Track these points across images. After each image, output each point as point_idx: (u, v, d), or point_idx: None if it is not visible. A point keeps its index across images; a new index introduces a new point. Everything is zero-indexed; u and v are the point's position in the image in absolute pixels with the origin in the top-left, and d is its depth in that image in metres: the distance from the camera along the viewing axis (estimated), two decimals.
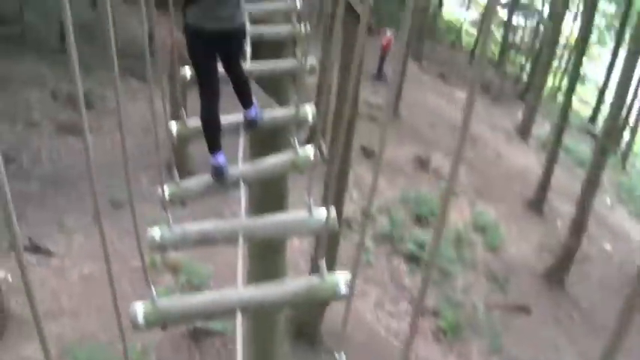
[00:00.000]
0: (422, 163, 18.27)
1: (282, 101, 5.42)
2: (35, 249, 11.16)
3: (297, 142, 4.20)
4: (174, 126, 4.46)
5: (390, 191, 16.57)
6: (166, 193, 4.08)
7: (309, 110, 4.52)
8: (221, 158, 4.18)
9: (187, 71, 4.76)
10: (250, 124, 4.49)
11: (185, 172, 11.79)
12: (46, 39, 16.74)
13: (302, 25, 5.16)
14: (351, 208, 14.21)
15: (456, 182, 1.42)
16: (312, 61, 4.86)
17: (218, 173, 4.20)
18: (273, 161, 4.41)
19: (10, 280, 10.39)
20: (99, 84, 15.88)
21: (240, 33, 4.25)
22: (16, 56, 15.94)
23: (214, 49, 4.20)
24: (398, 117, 20.68)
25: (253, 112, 4.45)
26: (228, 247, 4.01)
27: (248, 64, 4.80)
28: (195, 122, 4.50)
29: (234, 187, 4.26)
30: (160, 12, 3.80)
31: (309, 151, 4.16)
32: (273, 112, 4.72)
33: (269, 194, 5.94)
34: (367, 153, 17.31)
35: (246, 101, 4.46)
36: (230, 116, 4.61)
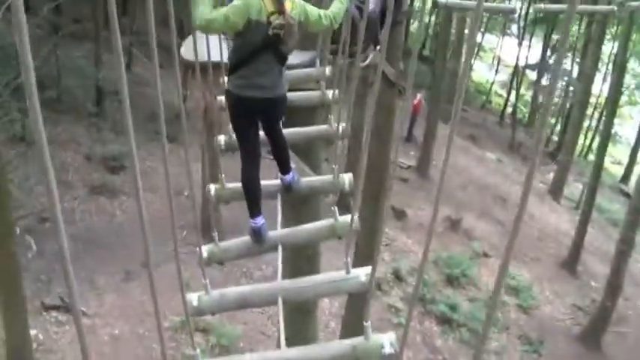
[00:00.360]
0: (453, 224, 18.16)
1: (313, 165, 5.49)
2: (66, 308, 11.20)
3: (337, 210, 4.29)
4: (213, 189, 4.53)
5: (422, 252, 16.47)
6: (205, 255, 4.13)
7: (346, 179, 4.60)
8: (260, 221, 4.27)
9: (222, 140, 4.87)
10: (287, 189, 4.60)
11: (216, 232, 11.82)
12: (82, 103, 17.10)
13: (332, 91, 5.27)
14: (381, 269, 14.12)
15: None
16: (343, 126, 4.96)
17: (257, 235, 4.28)
18: (312, 227, 4.48)
19: (41, 337, 10.44)
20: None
21: (281, 101, 4.33)
22: (53, 119, 16.27)
23: (255, 115, 4.32)
24: (428, 178, 20.69)
25: (290, 177, 4.56)
26: (256, 308, 4.03)
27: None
28: (232, 185, 4.59)
29: (272, 250, 4.33)
30: (194, 76, 3.88)
31: (348, 218, 4.21)
32: (310, 180, 4.81)
33: (301, 256, 5.97)
34: (398, 214, 17.28)
35: (284, 166, 4.58)
36: (270, 181, 4.72)
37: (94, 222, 13.81)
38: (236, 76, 4.15)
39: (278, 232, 4.41)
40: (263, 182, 4.53)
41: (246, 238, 4.39)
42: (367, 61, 5.93)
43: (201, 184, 12.16)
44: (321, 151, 6.20)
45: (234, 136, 4.60)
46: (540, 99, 35.23)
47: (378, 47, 6.62)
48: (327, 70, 5.46)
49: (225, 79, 4.37)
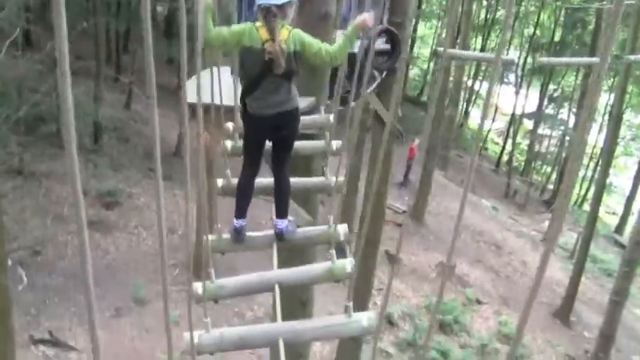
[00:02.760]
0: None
1: (310, 208, 5.52)
2: (55, 342, 11.12)
3: (334, 253, 4.33)
4: (209, 240, 4.58)
5: (415, 298, 16.42)
6: (199, 291, 4.17)
7: (342, 230, 4.64)
8: (242, 223, 4.67)
9: (220, 183, 4.94)
10: (279, 237, 4.69)
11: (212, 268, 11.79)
12: (80, 138, 17.16)
13: (335, 141, 5.35)
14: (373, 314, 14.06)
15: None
16: (340, 180, 5.03)
17: (237, 234, 4.68)
18: (309, 269, 4.52)
19: None
20: (127, 182, 16.19)
21: (291, 117, 4.56)
22: (51, 154, 16.32)
23: (266, 134, 4.67)
24: (423, 224, 20.70)
25: (282, 225, 4.67)
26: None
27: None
28: (228, 236, 4.66)
29: (268, 290, 4.38)
30: (193, 117, 3.95)
31: (345, 262, 4.26)
32: (306, 230, 4.86)
33: (295, 300, 5.98)
34: (392, 259, 17.26)
35: (280, 211, 4.72)
36: (266, 232, 4.85)
37: None
38: (250, 99, 4.48)
39: (275, 272, 4.43)
40: (258, 233, 4.82)
41: (241, 277, 4.48)
42: (356, 102, 5.97)
43: (196, 223, 12.18)
44: (317, 195, 6.24)
45: (233, 180, 4.85)
46: (537, 148, 35.46)
47: (368, 90, 6.71)
48: (331, 117, 5.52)
49: (230, 124, 4.57)
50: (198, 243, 11.90)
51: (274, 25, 4.23)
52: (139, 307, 12.17)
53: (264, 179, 4.96)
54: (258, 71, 4.33)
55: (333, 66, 4.60)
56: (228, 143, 5.25)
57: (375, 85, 8.99)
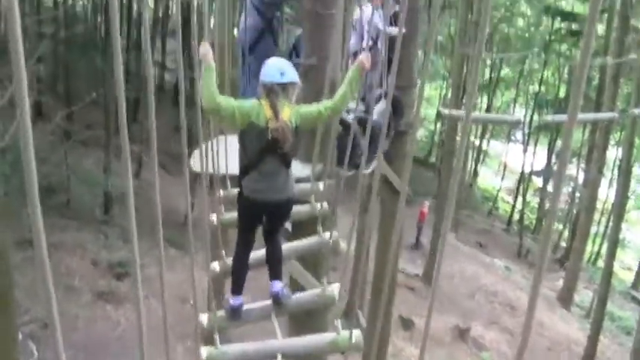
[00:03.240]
0: (461, 333, 17.86)
1: (321, 275, 5.48)
2: None
3: (340, 323, 4.28)
4: (205, 319, 4.59)
5: None
6: (204, 356, 4.17)
7: (335, 291, 4.60)
8: (238, 301, 4.69)
9: (217, 266, 4.96)
10: (275, 301, 4.69)
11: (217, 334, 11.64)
12: (90, 209, 17.21)
13: (323, 204, 5.34)
14: None
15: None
16: (335, 240, 5.03)
17: (233, 313, 4.70)
18: (313, 340, 4.45)
19: None
20: (139, 253, 16.14)
21: (286, 204, 4.61)
22: (62, 225, 16.33)
23: (259, 216, 4.69)
24: (436, 286, 20.50)
25: (277, 287, 4.69)
26: None
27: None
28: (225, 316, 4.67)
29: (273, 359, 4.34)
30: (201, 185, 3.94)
31: (352, 334, 4.20)
32: (299, 296, 4.85)
33: None
34: (405, 323, 17.03)
35: (274, 273, 4.77)
36: (262, 302, 4.87)
37: (97, 329, 13.61)
38: (247, 180, 4.49)
39: (279, 341, 4.37)
40: (255, 304, 4.87)
41: (245, 345, 4.55)
42: (370, 169, 5.99)
43: (207, 293, 12.06)
44: (328, 261, 6.18)
45: (228, 261, 4.94)
46: (547, 205, 35.30)
47: (381, 154, 6.69)
48: (320, 185, 5.51)
49: (221, 192, 4.63)
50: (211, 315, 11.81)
51: (276, 102, 4.27)
52: None
53: (258, 251, 4.97)
54: (260, 149, 4.35)
55: (338, 114, 4.63)
56: (214, 216, 5.22)
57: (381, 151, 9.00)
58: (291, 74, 4.41)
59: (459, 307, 19.26)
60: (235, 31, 6.96)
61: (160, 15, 29.43)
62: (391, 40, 7.14)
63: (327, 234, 5.14)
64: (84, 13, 28.10)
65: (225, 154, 4.75)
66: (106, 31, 22.13)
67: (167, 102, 25.96)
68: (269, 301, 4.72)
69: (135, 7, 26.79)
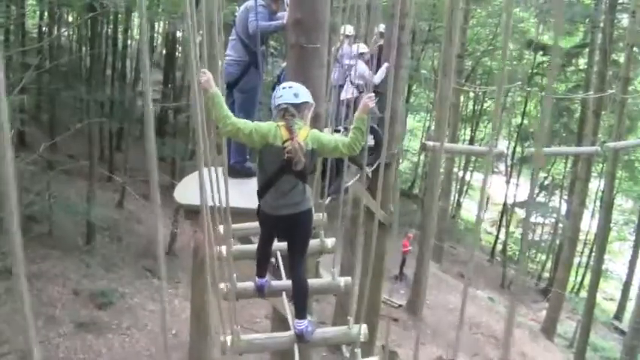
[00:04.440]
0: None
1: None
2: None
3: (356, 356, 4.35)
4: (228, 341, 4.60)
5: None
6: None
7: (361, 330, 4.65)
8: (263, 280, 5.12)
9: (224, 287, 4.95)
10: (299, 338, 4.75)
11: None
12: (72, 238, 17.12)
13: (328, 239, 5.40)
14: None
15: None
16: (347, 280, 5.13)
17: (259, 291, 5.13)
18: None
19: None
20: (120, 282, 16.04)
21: (301, 218, 4.69)
22: (43, 254, 16.23)
23: (275, 230, 4.92)
24: (420, 318, 20.47)
25: (301, 327, 4.73)
26: None
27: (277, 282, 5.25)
28: (248, 337, 4.71)
29: None
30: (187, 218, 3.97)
31: None
32: (325, 331, 4.89)
33: None
34: (389, 354, 16.95)
35: (299, 312, 4.79)
36: (283, 333, 4.96)
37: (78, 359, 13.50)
38: (265, 198, 4.66)
39: None
40: (276, 334, 5.08)
41: None
42: (328, 200, 6.05)
43: (189, 323, 12.00)
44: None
45: (238, 284, 5.09)
46: (530, 236, 35.45)
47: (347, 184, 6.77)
48: (322, 215, 5.55)
49: (221, 228, 4.91)
50: (192, 344, 11.72)
51: (292, 123, 4.42)
52: None
53: (283, 282, 5.20)
54: (276, 169, 4.49)
55: (349, 155, 4.70)
56: (223, 248, 5.24)
57: (354, 180, 9.06)
58: (305, 95, 4.59)
59: (443, 338, 19.21)
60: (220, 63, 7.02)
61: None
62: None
63: (341, 278, 5.25)
64: (69, 44, 28.15)
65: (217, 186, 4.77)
66: (91, 61, 22.20)
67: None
68: (292, 332, 4.79)
69: (120, 38, 26.86)
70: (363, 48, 9.88)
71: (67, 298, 15.41)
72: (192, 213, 4.14)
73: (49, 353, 13.28)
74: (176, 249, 18.64)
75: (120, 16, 24.54)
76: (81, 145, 20.22)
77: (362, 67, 8.97)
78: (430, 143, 7.74)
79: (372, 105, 4.51)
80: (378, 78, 8.77)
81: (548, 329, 24.58)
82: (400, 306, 20.85)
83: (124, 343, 14.10)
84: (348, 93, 8.72)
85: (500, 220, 36.76)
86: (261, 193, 4.67)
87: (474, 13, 30.85)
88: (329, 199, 6.29)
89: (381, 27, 9.93)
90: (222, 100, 4.39)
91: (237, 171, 7.18)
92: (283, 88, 4.58)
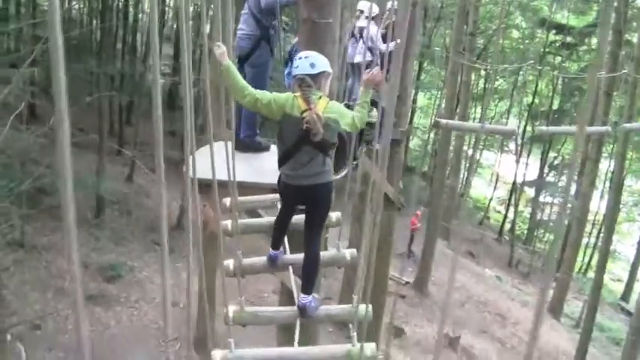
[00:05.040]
0: (451, 342, 17.87)
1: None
2: None
3: (355, 337, 4.34)
4: (231, 311, 4.63)
5: None
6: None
7: (366, 310, 4.64)
8: (276, 252, 5.11)
9: (231, 264, 4.97)
10: (301, 312, 4.72)
11: (206, 352, 11.64)
12: (82, 211, 17.17)
13: (333, 213, 5.41)
14: None
15: None
16: (353, 253, 5.12)
17: (271, 261, 5.12)
18: (329, 351, 4.52)
19: None
20: (128, 255, 16.11)
21: (320, 190, 4.66)
22: (53, 227, 16.30)
23: (295, 201, 4.93)
24: (427, 295, 20.52)
25: (305, 301, 4.70)
26: None
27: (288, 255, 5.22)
28: (252, 309, 4.74)
29: None
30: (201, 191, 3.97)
31: (366, 347, 4.26)
32: (329, 308, 4.89)
33: None
34: (395, 331, 17.02)
35: (305, 285, 4.77)
36: (287, 307, 4.97)
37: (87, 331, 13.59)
38: (283, 169, 4.66)
39: (294, 350, 4.42)
40: (280, 308, 5.15)
41: (260, 350, 4.59)
42: (342, 174, 6.03)
43: (198, 296, 12.05)
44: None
45: (243, 260, 5.04)
46: (539, 216, 35.40)
47: (355, 162, 6.75)
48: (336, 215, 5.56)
49: (228, 200, 5.01)
50: (200, 317, 11.80)
51: (309, 94, 4.39)
52: None
53: (294, 255, 5.14)
54: (295, 140, 4.46)
55: (356, 130, 4.68)
56: (228, 222, 5.26)
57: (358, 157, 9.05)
58: (322, 64, 4.52)
59: (450, 316, 19.29)
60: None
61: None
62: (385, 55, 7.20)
63: (346, 250, 5.25)
64: (79, 17, 28.11)
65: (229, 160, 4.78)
66: (101, 34, 22.16)
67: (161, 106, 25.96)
68: (295, 308, 4.77)
69: (131, 11, 26.80)
70: (375, 10, 9.82)
71: None
72: (202, 187, 4.13)
73: (58, 325, 13.39)
74: (185, 222, 18.63)
75: None
76: (91, 118, 20.23)
77: (373, 30, 8.91)
78: (443, 121, 7.69)
79: (380, 79, 4.46)
80: (384, 46, 8.71)
81: (555, 309, 24.61)
82: (407, 283, 20.91)
83: (132, 316, 14.19)
84: (362, 56, 8.64)
85: (509, 199, 36.72)
86: (280, 164, 4.64)
87: None
88: (338, 175, 6.28)
89: (393, 3, 9.87)
90: (237, 71, 4.40)
91: (246, 145, 7.18)
92: (299, 58, 4.51)
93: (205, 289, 4.17)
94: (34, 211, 15.86)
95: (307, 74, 4.42)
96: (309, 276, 4.77)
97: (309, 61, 4.47)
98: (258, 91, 4.46)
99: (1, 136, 11.40)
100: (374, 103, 6.85)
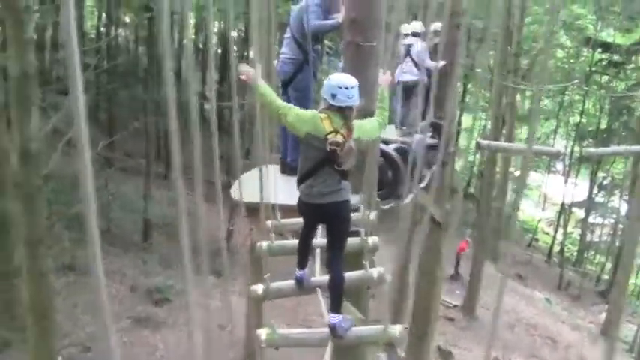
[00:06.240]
0: None
1: (362, 306, 5.51)
2: None
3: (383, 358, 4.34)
4: (263, 334, 4.65)
5: None
6: None
7: (397, 331, 4.59)
8: (302, 273, 5.11)
9: (259, 289, 5.00)
10: (332, 332, 4.67)
11: None
12: (130, 235, 17.40)
13: (371, 238, 5.37)
14: None
15: None
16: (381, 273, 5.07)
17: (298, 283, 5.12)
18: None
19: None
20: (176, 278, 16.24)
21: (334, 209, 4.66)
22: (103, 251, 16.50)
23: (314, 219, 4.98)
24: (475, 318, 20.27)
25: (335, 319, 4.66)
26: None
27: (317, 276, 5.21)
28: (284, 331, 4.73)
29: None
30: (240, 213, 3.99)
31: None
32: (360, 329, 4.86)
33: None
34: (444, 354, 16.84)
35: (333, 304, 4.73)
36: (318, 329, 4.97)
37: (135, 354, 13.68)
38: (302, 187, 4.68)
39: None
40: (312, 330, 5.23)
41: None
42: (409, 199, 6.00)
43: (245, 319, 12.09)
44: (368, 291, 6.18)
45: (272, 284, 5.08)
46: (589, 237, 34.77)
47: (421, 185, 6.69)
48: (373, 215, 5.52)
49: (269, 222, 5.09)
50: (248, 339, 11.83)
51: (335, 119, 4.45)
52: None
53: (320, 277, 5.15)
54: (318, 161, 4.49)
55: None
56: (264, 244, 5.29)
57: (426, 180, 8.97)
58: (355, 96, 4.51)
59: (499, 339, 18.99)
60: (275, 62, 7.08)
61: (200, 46, 29.84)
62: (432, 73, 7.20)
63: (374, 269, 5.22)
64: (126, 44, 28.63)
65: (270, 185, 4.83)
66: (148, 61, 22.54)
67: (207, 131, 26.24)
68: (327, 330, 4.73)
69: (177, 36, 27.22)
70: (420, 28, 9.84)
71: (125, 294, 15.68)
72: (249, 210, 4.17)
73: (107, 348, 13.52)
74: (232, 246, 18.79)
75: (175, 15, 24.88)
76: (138, 143, 20.54)
77: (420, 46, 8.90)
78: (484, 142, 7.64)
79: (389, 79, 4.66)
80: (433, 64, 8.68)
81: (608, 332, 24.05)
82: (456, 306, 20.70)
83: (180, 339, 14.26)
84: (411, 74, 8.65)
85: (558, 221, 36.15)
86: (299, 183, 4.69)
87: (531, 10, 30.39)
88: (387, 206, 6.26)
89: (437, 25, 9.88)
90: (268, 87, 4.51)
91: (292, 169, 7.21)
92: (340, 87, 4.46)
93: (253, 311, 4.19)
94: (83, 236, 16.12)
95: (351, 105, 4.46)
96: (334, 295, 4.73)
97: (349, 94, 4.46)
98: (286, 105, 4.57)
99: (52, 161, 11.64)
100: (436, 127, 6.85)
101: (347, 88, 4.45)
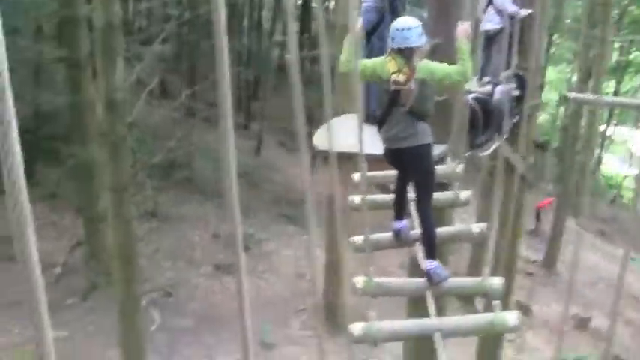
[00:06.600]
0: (581, 323, 17.30)
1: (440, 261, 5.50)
2: None
3: (499, 304, 4.27)
4: (361, 282, 4.65)
5: (548, 351, 15.72)
6: (358, 333, 4.26)
7: (496, 283, 4.55)
8: (399, 225, 5.17)
9: (356, 240, 4.97)
10: (428, 279, 4.71)
11: (336, 323, 11.79)
12: (212, 183, 17.66)
13: (464, 192, 5.29)
14: None
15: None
16: (483, 227, 5.01)
17: (396, 236, 5.19)
18: (471, 320, 4.48)
19: None
20: (256, 227, 16.44)
21: (414, 153, 4.73)
22: (185, 198, 16.89)
23: (399, 165, 5.04)
24: (555, 273, 19.95)
25: (430, 265, 4.70)
26: None
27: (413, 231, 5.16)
28: (381, 280, 4.71)
29: (429, 337, 4.39)
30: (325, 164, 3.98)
31: (509, 316, 4.19)
32: (458, 280, 4.85)
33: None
34: (523, 309, 16.65)
35: (427, 252, 4.80)
36: (417, 279, 4.91)
37: (216, 300, 13.98)
38: (382, 132, 4.83)
39: (434, 320, 4.41)
40: (409, 279, 5.22)
41: (399, 322, 4.71)
42: (490, 150, 5.89)
43: (324, 268, 12.19)
44: (449, 246, 6.14)
45: (370, 236, 4.84)
46: None
47: (503, 136, 6.55)
48: (460, 167, 5.43)
49: (357, 175, 5.07)
50: (327, 289, 11.94)
51: (399, 60, 4.56)
52: (265, 351, 12.23)
53: (417, 231, 5.07)
54: (387, 102, 4.64)
55: (463, 82, 4.86)
56: (356, 198, 5.26)
57: (507, 132, 8.79)
58: (412, 38, 4.54)
59: (580, 296, 18.63)
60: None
61: None
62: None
63: (474, 225, 5.19)
64: None
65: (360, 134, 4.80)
66: (228, 12, 22.57)
67: (288, 81, 26.35)
68: (425, 279, 4.76)
69: None
70: None
71: (207, 241, 15.99)
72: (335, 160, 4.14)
73: (189, 292, 13.89)
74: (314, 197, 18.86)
75: None
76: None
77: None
78: (571, 94, 7.42)
79: (465, 30, 4.58)
80: (515, 8, 8.39)
81: None
82: (535, 261, 20.40)
83: (259, 286, 14.51)
84: (493, 23, 8.38)
85: None
86: (379, 128, 4.80)
87: None
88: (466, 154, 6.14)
89: None
90: (353, 42, 4.51)
91: (376, 118, 7.17)
92: (397, 29, 4.56)
93: (331, 262, 4.20)
94: (166, 184, 16.48)
95: (405, 47, 4.52)
96: (428, 243, 4.79)
97: (405, 35, 4.52)
98: (362, 62, 4.72)
99: (135, 111, 11.88)
100: (520, 78, 6.65)
101: (403, 30, 4.53)
